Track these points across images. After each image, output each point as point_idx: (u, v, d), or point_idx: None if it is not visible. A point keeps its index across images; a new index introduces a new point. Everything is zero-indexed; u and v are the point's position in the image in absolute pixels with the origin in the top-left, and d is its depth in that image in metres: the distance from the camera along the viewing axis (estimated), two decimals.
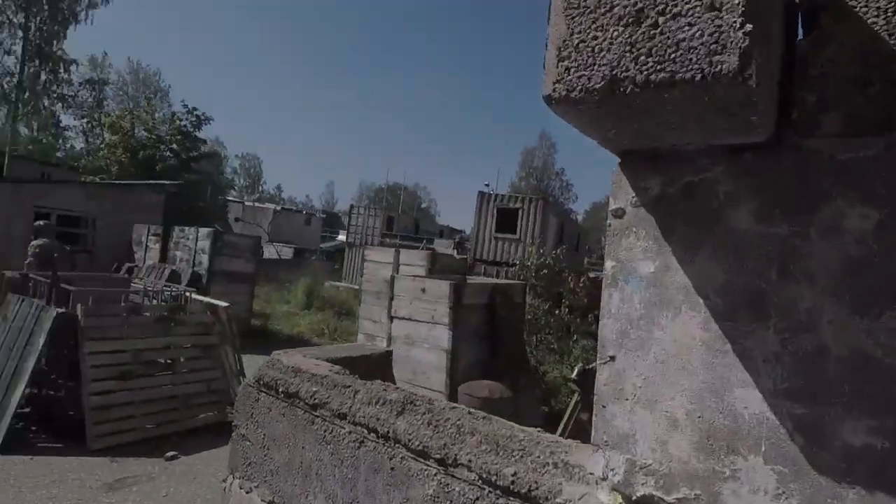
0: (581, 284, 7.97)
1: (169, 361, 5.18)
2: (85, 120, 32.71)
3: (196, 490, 4.22)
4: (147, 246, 10.33)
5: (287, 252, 30.50)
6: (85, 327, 4.59)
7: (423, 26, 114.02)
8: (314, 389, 1.70)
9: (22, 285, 5.74)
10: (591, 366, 2.42)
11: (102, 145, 22.53)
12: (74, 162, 25.94)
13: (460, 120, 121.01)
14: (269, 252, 29.38)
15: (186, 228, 9.62)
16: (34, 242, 7.80)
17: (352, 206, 32.88)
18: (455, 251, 19.11)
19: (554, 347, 7.62)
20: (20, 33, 25.97)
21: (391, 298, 5.82)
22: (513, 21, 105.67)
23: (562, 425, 2.43)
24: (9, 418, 4.44)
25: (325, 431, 1.59)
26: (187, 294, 5.73)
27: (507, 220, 17.00)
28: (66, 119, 36.70)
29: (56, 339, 4.73)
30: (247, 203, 39.74)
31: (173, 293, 6.02)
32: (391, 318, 5.76)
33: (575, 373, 2.43)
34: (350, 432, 1.52)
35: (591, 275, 12.69)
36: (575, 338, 7.45)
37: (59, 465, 4.34)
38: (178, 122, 21.30)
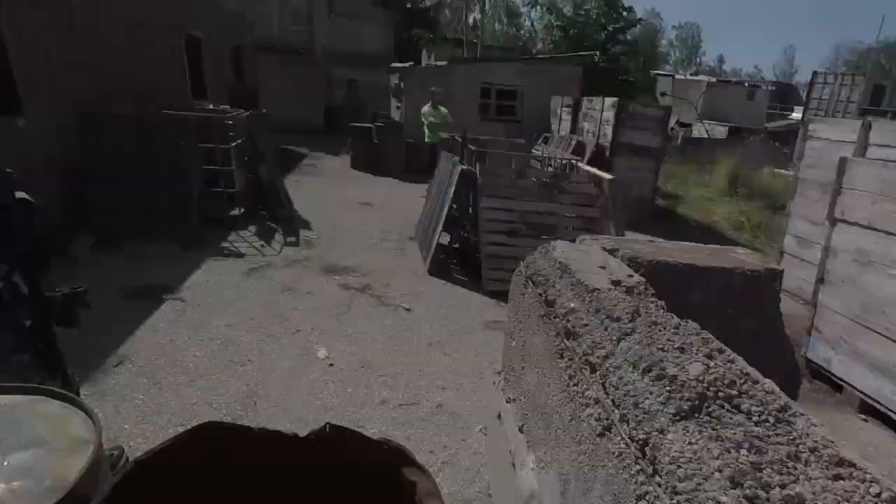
0: None
1: (552, 226, 5.29)
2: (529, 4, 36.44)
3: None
4: (560, 117, 10.75)
5: (720, 131, 26.69)
6: (481, 185, 5.12)
7: None
8: (570, 306, 1.03)
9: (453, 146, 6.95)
10: None
11: (542, 26, 24.42)
12: (517, 43, 29.51)
13: None
14: (698, 130, 26.53)
15: (594, 99, 9.32)
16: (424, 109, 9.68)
17: (814, 74, 25.22)
18: None
19: None
20: None
21: (837, 192, 3.92)
22: None
23: None
24: (433, 249, 5.61)
25: (569, 379, 0.94)
26: (573, 162, 5.56)
27: None
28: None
29: (465, 192, 5.50)
30: (677, 77, 36.27)
31: (563, 161, 6.00)
32: (833, 221, 3.93)
33: None
34: (596, 401, 0.82)
35: None
36: None
37: (460, 294, 5.25)
38: None
